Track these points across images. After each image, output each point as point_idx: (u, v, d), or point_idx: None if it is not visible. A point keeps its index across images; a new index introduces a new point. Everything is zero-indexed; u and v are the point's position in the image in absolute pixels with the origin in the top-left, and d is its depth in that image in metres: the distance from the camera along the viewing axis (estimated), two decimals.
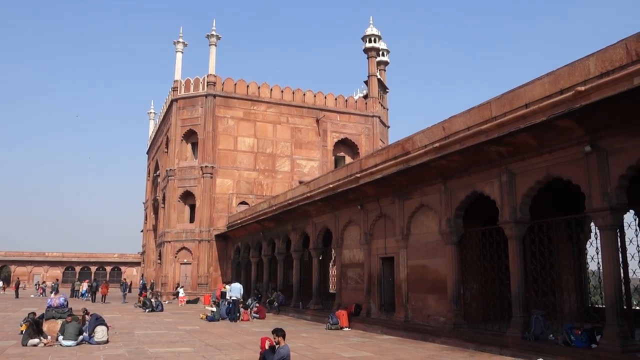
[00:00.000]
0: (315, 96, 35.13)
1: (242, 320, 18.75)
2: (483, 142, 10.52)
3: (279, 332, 8.05)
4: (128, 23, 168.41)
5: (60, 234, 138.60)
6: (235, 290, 19.35)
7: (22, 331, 12.66)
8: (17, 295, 36.20)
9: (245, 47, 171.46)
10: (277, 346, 7.99)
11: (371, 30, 35.65)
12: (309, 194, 20.00)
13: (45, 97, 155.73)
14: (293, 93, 34.58)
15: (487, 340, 10.76)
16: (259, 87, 33.71)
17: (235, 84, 33.17)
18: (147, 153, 46.88)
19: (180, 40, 34.40)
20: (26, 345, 11.61)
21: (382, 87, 38.60)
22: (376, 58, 36.20)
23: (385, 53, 38.86)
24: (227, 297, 19.56)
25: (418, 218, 13.81)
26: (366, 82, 36.72)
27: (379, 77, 37.05)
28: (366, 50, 35.48)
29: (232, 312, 18.81)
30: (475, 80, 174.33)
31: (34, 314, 12.85)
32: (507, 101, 10.59)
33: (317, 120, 34.47)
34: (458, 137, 11.72)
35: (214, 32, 32.82)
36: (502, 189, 10.70)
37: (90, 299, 32.20)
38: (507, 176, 10.58)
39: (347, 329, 15.40)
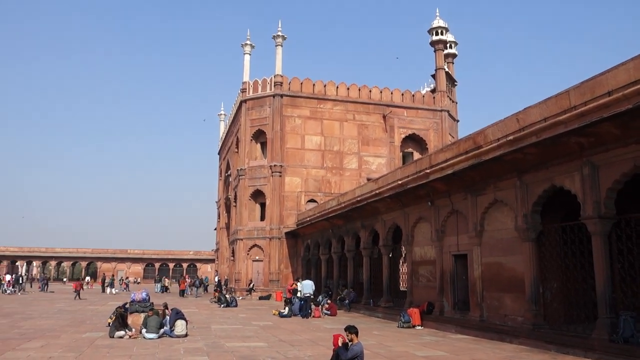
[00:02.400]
0: (381, 92, 34.85)
1: (313, 316, 18.94)
2: (562, 134, 9.99)
3: (351, 330, 8.04)
4: (198, 28, 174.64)
5: (141, 232, 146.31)
6: (306, 287, 19.59)
7: (109, 323, 13.48)
8: (103, 290, 38.54)
9: (310, 46, 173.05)
10: (350, 343, 7.99)
11: (438, 22, 34.87)
12: (377, 191, 19.86)
13: (123, 101, 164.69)
14: (359, 90, 34.48)
15: (570, 342, 10.22)
16: (324, 85, 33.90)
17: (301, 83, 33.53)
18: (219, 153, 48.40)
19: (248, 42, 35.21)
20: (113, 337, 12.34)
21: (451, 80, 37.66)
22: (443, 51, 35.37)
23: (452, 45, 37.88)
24: (299, 293, 19.84)
25: (492, 214, 13.35)
26: (433, 76, 35.97)
27: (446, 70, 36.19)
28: (433, 44, 34.75)
29: (303, 308, 19.05)
30: (548, 70, 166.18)
31: (122, 307, 13.60)
32: (588, 89, 9.99)
33: (384, 117, 34.18)
34: (534, 129, 11.20)
35: (279, 33, 33.33)
36: (583, 183, 10.12)
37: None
38: (589, 169, 9.99)
39: (419, 327, 15.17)
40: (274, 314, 19.67)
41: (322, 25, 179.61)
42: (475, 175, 13.41)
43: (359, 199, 21.72)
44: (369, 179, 27.60)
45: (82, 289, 30.67)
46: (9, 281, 35.72)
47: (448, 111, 35.67)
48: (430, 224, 16.26)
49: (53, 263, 70.89)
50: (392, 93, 35.03)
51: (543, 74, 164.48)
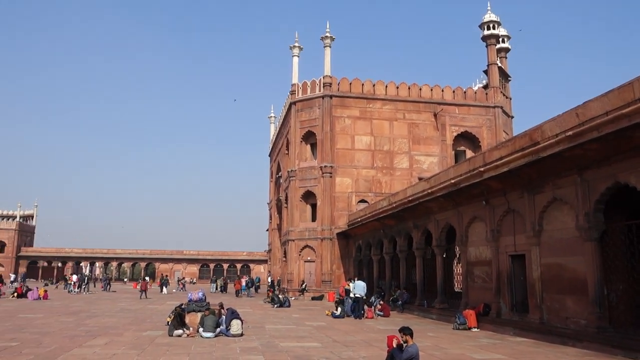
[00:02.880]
0: (432, 90, 34.31)
1: (366, 317, 18.87)
2: (626, 128, 9.51)
3: (406, 331, 7.95)
4: (248, 31, 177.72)
5: (197, 234, 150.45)
6: (358, 287, 19.54)
7: (167, 322, 13.91)
8: (161, 290, 39.80)
9: (358, 46, 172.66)
10: (404, 345, 7.91)
11: (489, 16, 33.98)
12: (429, 190, 19.56)
13: (176, 105, 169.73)
14: (409, 88, 34.08)
15: (638, 347, 9.71)
16: (373, 85, 33.72)
17: (350, 84, 33.49)
18: (269, 155, 49.03)
19: (296, 44, 35.50)
20: (172, 335, 12.72)
21: (504, 75, 36.61)
22: (496, 45, 34.43)
23: (505, 39, 36.83)
24: (351, 294, 19.82)
25: (551, 213, 12.87)
26: (486, 72, 35.08)
27: (499, 65, 35.20)
28: (485, 38, 33.90)
29: (356, 309, 19.01)
30: (606, 63, 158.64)
31: (180, 307, 14.00)
32: None
33: (435, 115, 33.63)
34: (595, 124, 10.71)
35: (327, 34, 33.42)
36: None
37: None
38: None
39: (475, 329, 14.82)
40: (327, 315, 19.73)
41: (370, 24, 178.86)
42: (532, 172, 12.97)
43: (410, 198, 21.46)
44: (420, 179, 27.22)
45: (148, 288, 31.89)
46: (75, 282, 37.48)
47: (501, 107, 34.68)
48: (485, 224, 15.86)
49: (114, 264, 73.96)
50: (442, 90, 34.42)
51: (601, 67, 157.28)
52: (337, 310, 19.42)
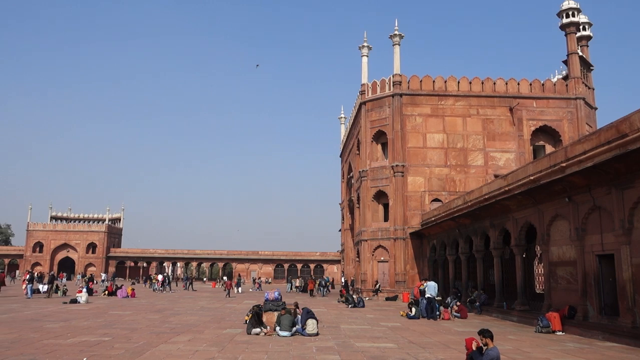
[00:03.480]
0: (506, 83, 33.04)
1: (442, 319, 18.48)
2: None
3: (486, 334, 7.72)
4: (316, 32, 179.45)
5: (272, 234, 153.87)
6: (430, 288, 19.21)
7: (246, 321, 14.33)
8: (236, 290, 41.00)
9: (428, 42, 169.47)
10: (484, 348, 7.68)
11: (568, 3, 32.21)
12: (507, 188, 18.85)
13: (248, 109, 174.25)
14: (482, 83, 33.03)
15: None
16: (445, 81, 32.98)
17: (420, 81, 32.95)
18: (340, 156, 49.21)
19: (365, 44, 35.41)
20: (250, 333, 13.09)
21: (585, 64, 34.59)
22: (576, 34, 32.60)
23: (586, 27, 34.85)
24: (426, 295, 19.49)
25: None
26: (565, 62, 33.28)
27: (580, 54, 33.30)
28: (564, 27, 32.17)
29: (430, 310, 18.67)
30: None
31: (257, 306, 14.38)
32: None
33: (511, 109, 32.35)
34: None
35: (396, 32, 33.07)
36: None
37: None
38: None
39: (560, 332, 14.11)
40: (402, 315, 19.52)
41: (439, 19, 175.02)
42: (620, 167, 12.17)
43: (486, 196, 20.79)
44: (496, 176, 26.30)
45: (232, 287, 33.21)
46: (159, 281, 39.52)
47: (583, 99, 32.77)
48: (568, 222, 15.06)
49: (194, 264, 77.13)
50: (518, 84, 33.05)
51: None
52: (411, 311, 19.16)
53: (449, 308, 19.56)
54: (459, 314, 19.24)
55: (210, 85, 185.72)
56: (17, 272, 69.08)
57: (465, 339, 8.27)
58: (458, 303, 20.31)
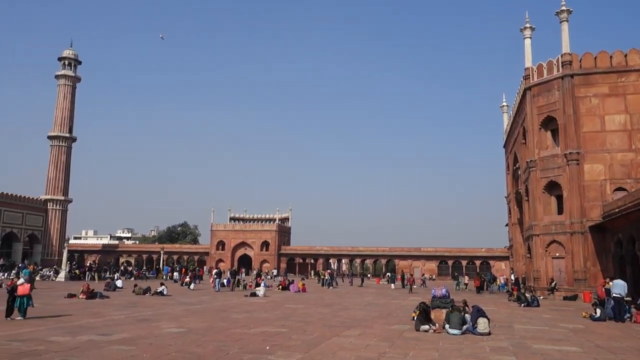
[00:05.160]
0: None
1: (634, 322, 16.49)
2: None
3: None
4: (471, 21, 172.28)
5: (434, 230, 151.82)
6: (617, 287, 17.24)
7: (413, 317, 14.33)
8: (403, 286, 41.12)
9: (600, 15, 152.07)
10: None
11: None
12: None
13: (401, 101, 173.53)
14: None
15: None
16: (625, 55, 29.25)
17: (595, 58, 29.68)
18: (504, 147, 46.56)
19: (527, 25, 32.98)
20: (418, 330, 13.06)
21: None
22: None
23: None
24: (612, 294, 17.55)
25: None
26: None
27: None
28: None
29: (618, 312, 16.75)
30: None
31: (424, 303, 14.31)
32: None
33: None
34: None
35: (563, 7, 30.20)
36: None
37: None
38: None
39: None
40: (584, 317, 17.83)
41: None
42: None
43: None
44: None
45: (414, 283, 34.24)
46: (327, 277, 41.38)
47: None
48: None
49: (358, 260, 79.10)
50: None
51: None
52: (596, 312, 17.36)
53: None
54: None
55: (373, 85, 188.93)
56: (205, 267, 77.67)
57: None
58: None
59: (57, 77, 68.00)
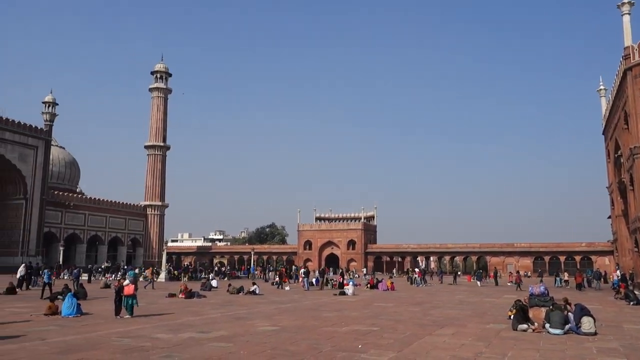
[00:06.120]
0: None
1: None
2: None
3: None
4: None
5: (528, 225, 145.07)
6: None
7: (509, 316, 13.71)
8: (496, 283, 39.59)
9: None
10: None
11: None
12: None
13: (493, 96, 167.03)
14: None
15: None
16: None
17: None
18: (603, 133, 43.43)
19: (625, 0, 30.51)
20: (516, 329, 12.45)
21: None
22: None
23: None
24: None
25: None
26: None
27: None
28: None
29: None
30: None
31: (521, 301, 13.65)
32: None
33: None
34: None
35: None
36: None
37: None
38: None
39: None
40: None
41: None
42: None
43: None
44: None
45: (521, 281, 33.13)
46: (418, 273, 40.76)
47: None
48: None
49: (447, 258, 77.14)
50: None
51: None
52: None
53: None
54: None
55: (467, 79, 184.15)
56: (293, 267, 79.34)
57: None
58: None
59: (150, 89, 72.53)
